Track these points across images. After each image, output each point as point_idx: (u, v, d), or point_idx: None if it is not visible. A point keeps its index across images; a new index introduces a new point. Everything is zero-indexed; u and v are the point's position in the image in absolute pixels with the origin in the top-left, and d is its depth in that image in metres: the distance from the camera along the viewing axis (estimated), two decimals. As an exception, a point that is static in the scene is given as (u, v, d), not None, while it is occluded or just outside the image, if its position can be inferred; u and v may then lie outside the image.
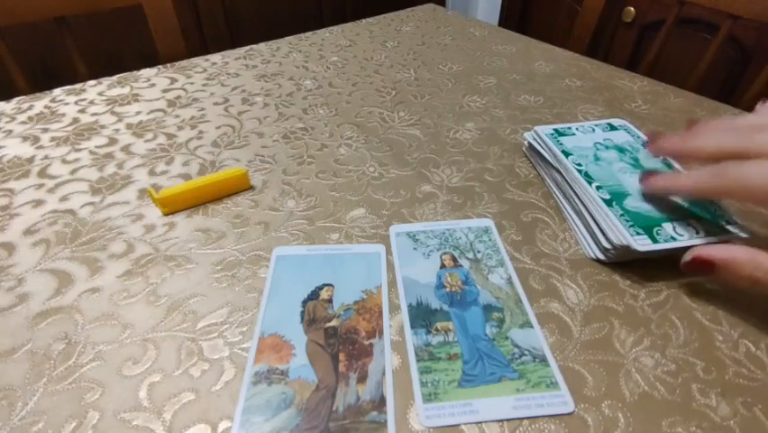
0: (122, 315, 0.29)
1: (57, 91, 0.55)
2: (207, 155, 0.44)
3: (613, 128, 0.41)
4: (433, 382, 0.25)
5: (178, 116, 0.50)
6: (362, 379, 0.25)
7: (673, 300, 0.29)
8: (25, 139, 0.46)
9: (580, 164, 0.36)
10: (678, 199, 0.33)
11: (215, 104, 0.53)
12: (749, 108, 0.55)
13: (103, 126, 0.49)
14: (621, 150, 0.38)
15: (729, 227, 0.31)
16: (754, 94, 0.68)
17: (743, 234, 0.30)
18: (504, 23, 1.70)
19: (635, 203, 0.33)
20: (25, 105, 0.52)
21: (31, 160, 0.43)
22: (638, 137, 0.40)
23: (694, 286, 0.30)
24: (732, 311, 0.29)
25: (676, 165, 0.37)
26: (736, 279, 0.25)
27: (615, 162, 0.37)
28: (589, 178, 0.35)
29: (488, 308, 0.29)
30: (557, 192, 0.38)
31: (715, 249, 0.26)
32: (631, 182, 0.35)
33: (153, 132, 0.48)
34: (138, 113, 0.51)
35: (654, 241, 0.29)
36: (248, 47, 0.68)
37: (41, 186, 0.40)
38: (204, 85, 0.57)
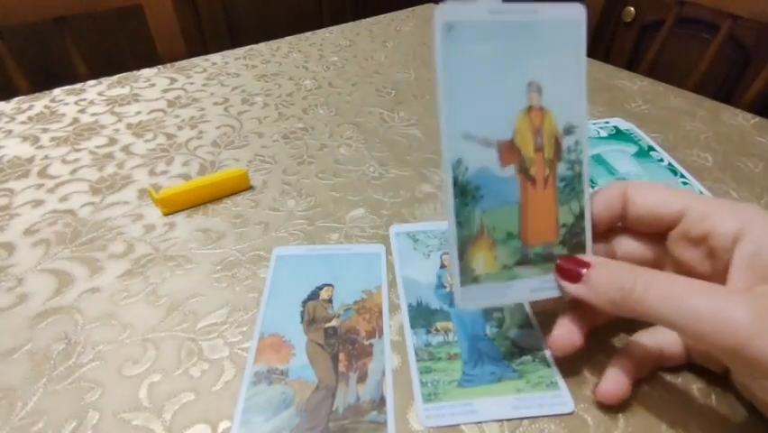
0: (122, 315, 0.29)
1: (57, 91, 0.55)
2: (207, 155, 0.44)
3: (619, 131, 0.41)
4: (433, 381, 0.25)
5: (177, 116, 0.50)
6: (362, 379, 0.25)
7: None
8: (25, 139, 0.46)
9: None
10: None
11: (215, 104, 0.53)
12: (749, 108, 0.55)
13: (103, 126, 0.49)
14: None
15: None
16: (754, 94, 0.68)
17: None
18: (504, 23, 1.70)
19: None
20: (25, 106, 0.52)
21: (30, 160, 0.43)
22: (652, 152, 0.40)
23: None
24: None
25: (686, 174, 0.37)
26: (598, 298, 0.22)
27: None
28: (591, 181, 0.35)
29: (488, 308, 0.29)
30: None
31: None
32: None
33: (153, 132, 0.48)
34: (138, 113, 0.51)
35: None
36: (248, 47, 0.68)
37: (40, 186, 0.40)
38: (204, 85, 0.57)
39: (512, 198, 0.23)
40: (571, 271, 0.23)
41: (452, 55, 0.22)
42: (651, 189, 0.23)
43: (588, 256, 0.23)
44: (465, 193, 0.23)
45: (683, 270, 0.23)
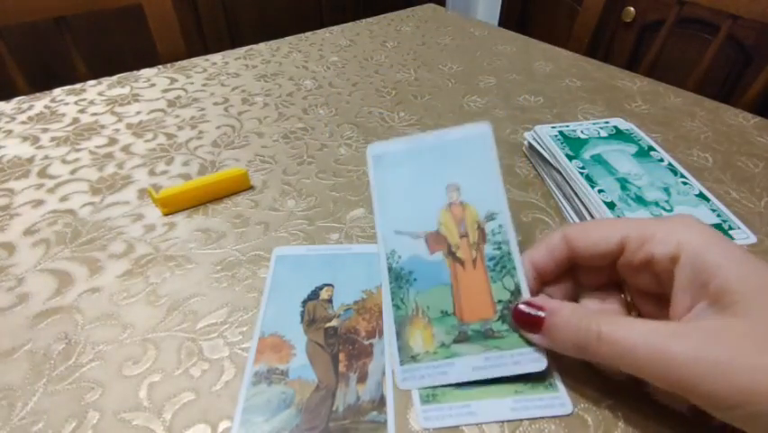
0: (122, 315, 0.29)
1: (57, 91, 0.55)
2: (207, 155, 0.44)
3: (619, 131, 0.41)
4: (432, 382, 0.25)
5: (178, 116, 0.50)
6: (362, 379, 0.25)
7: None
8: (25, 139, 0.46)
9: (583, 167, 0.36)
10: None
11: (215, 104, 0.53)
12: (749, 108, 0.55)
13: (103, 126, 0.49)
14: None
15: (732, 232, 0.31)
16: (755, 94, 0.68)
17: (749, 240, 0.30)
18: (504, 23, 1.70)
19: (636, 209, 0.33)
20: (25, 105, 0.52)
21: (31, 160, 0.43)
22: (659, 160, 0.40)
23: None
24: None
25: (686, 174, 0.37)
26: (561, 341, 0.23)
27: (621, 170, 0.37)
28: (591, 181, 0.35)
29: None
30: (557, 192, 0.38)
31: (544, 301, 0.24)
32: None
33: (153, 132, 0.48)
34: (138, 113, 0.51)
35: None
36: (248, 47, 0.68)
37: (40, 186, 0.40)
38: (204, 85, 0.57)
39: (443, 280, 0.26)
40: (528, 319, 0.23)
41: (381, 176, 0.29)
42: (590, 228, 0.24)
43: (542, 299, 0.24)
44: (399, 278, 0.27)
45: (640, 292, 0.24)
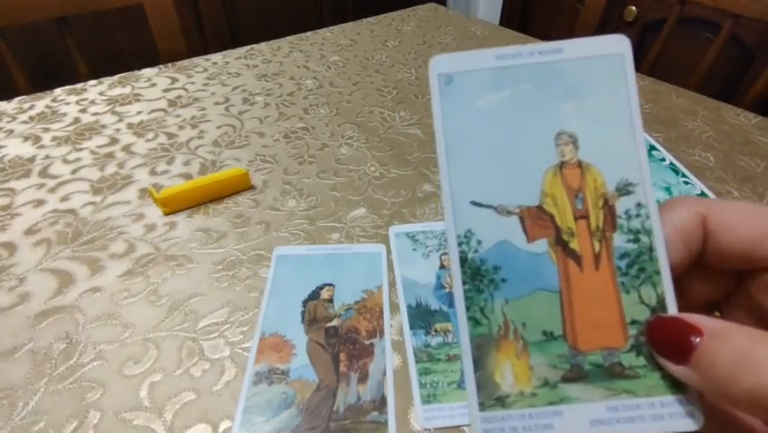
0: (123, 314, 0.29)
1: (58, 91, 0.55)
2: (208, 155, 0.44)
3: None
4: (432, 383, 0.25)
5: (178, 116, 0.50)
6: (363, 379, 0.25)
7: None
8: (26, 139, 0.46)
9: None
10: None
11: (216, 103, 0.53)
12: (751, 107, 0.55)
13: (104, 126, 0.49)
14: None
15: None
16: (757, 93, 0.68)
17: None
18: (505, 22, 1.70)
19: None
20: (26, 105, 0.52)
21: (32, 159, 0.43)
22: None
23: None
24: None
25: (688, 174, 0.37)
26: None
27: None
28: None
29: None
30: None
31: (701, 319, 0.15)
32: None
33: (154, 131, 0.48)
34: (139, 112, 0.51)
35: None
36: (249, 47, 0.68)
37: (42, 186, 0.40)
38: (204, 84, 0.57)
39: (547, 283, 0.17)
40: (673, 341, 0.15)
41: (452, 111, 0.18)
42: (740, 222, 0.17)
43: (695, 316, 0.15)
44: (479, 276, 0.17)
45: (759, 314, 0.18)
